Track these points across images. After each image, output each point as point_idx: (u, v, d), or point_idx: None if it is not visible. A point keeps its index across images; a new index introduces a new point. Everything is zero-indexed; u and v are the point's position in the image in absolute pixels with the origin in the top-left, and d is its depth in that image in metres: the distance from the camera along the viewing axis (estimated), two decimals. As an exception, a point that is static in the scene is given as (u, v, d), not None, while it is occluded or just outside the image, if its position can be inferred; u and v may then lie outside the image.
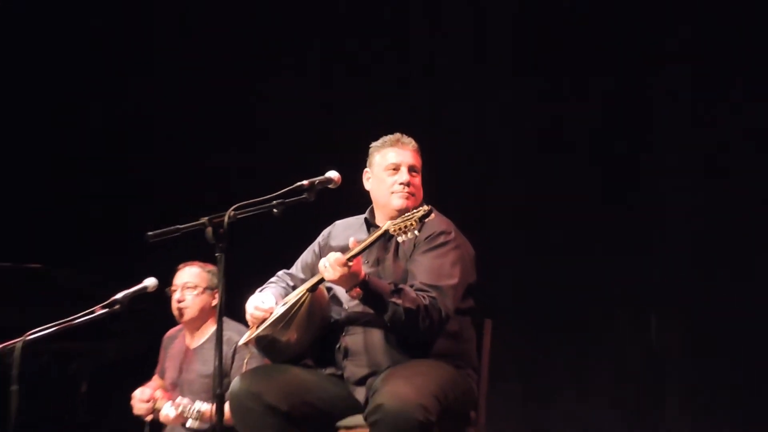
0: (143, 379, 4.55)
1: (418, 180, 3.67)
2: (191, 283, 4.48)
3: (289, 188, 3.38)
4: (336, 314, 3.61)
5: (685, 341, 5.16)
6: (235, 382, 3.46)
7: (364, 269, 3.42)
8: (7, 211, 6.12)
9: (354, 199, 3.80)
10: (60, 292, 5.12)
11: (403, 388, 3.22)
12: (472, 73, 5.73)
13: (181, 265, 4.55)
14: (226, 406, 3.39)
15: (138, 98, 6.35)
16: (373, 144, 3.75)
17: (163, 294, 4.31)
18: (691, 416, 5.07)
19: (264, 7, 6.18)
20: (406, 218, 3.32)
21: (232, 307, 3.51)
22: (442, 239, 3.55)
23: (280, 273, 3.82)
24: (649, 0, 5.41)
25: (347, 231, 3.72)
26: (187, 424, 4.21)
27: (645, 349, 5.20)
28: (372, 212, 3.74)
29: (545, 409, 5.33)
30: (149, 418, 4.36)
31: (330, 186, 3.51)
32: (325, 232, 3.85)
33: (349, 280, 3.33)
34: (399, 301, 3.34)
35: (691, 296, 5.16)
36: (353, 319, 3.55)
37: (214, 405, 3.19)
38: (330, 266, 3.32)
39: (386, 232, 3.36)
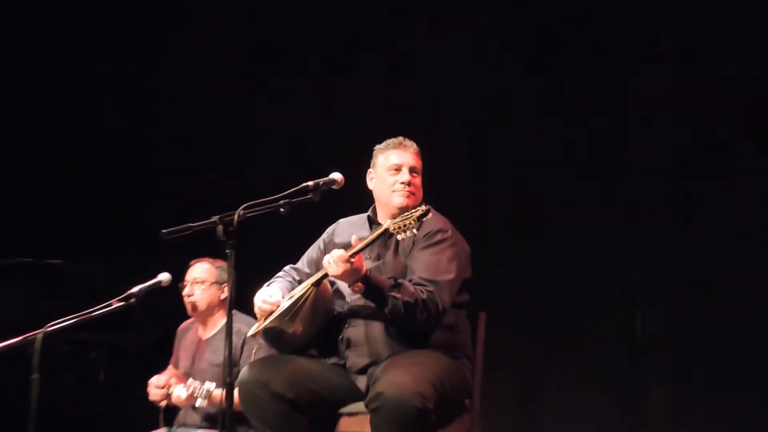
0: (158, 368, 4.57)
1: (418, 180, 3.75)
2: (200, 278, 4.53)
3: (295, 189, 3.45)
4: (339, 307, 3.68)
5: (668, 335, 5.15)
6: (244, 371, 3.54)
7: (366, 265, 3.49)
8: (29, 211, 6.11)
9: (354, 199, 3.87)
10: (78, 286, 5.14)
11: (401, 377, 3.30)
12: (472, 73, 5.68)
13: (192, 262, 4.60)
14: (236, 393, 3.45)
15: (138, 98, 6.33)
16: (377, 147, 3.83)
17: (176, 288, 4.37)
18: (672, 404, 5.08)
19: (264, 7, 6.11)
20: (405, 217, 3.38)
21: (241, 300, 3.58)
22: (439, 237, 3.63)
23: (286, 268, 3.89)
24: (650, 0, 5.38)
25: (350, 228, 3.80)
26: (197, 404, 4.24)
27: (631, 341, 5.18)
28: (374, 210, 3.82)
29: (536, 396, 5.32)
30: (164, 403, 4.39)
31: (333, 187, 3.59)
32: (329, 229, 3.92)
33: (352, 275, 3.40)
34: (398, 295, 3.42)
35: (674, 293, 5.16)
36: (355, 312, 3.63)
37: (224, 392, 3.25)
38: (333, 262, 3.40)
39: (386, 230, 3.42)
